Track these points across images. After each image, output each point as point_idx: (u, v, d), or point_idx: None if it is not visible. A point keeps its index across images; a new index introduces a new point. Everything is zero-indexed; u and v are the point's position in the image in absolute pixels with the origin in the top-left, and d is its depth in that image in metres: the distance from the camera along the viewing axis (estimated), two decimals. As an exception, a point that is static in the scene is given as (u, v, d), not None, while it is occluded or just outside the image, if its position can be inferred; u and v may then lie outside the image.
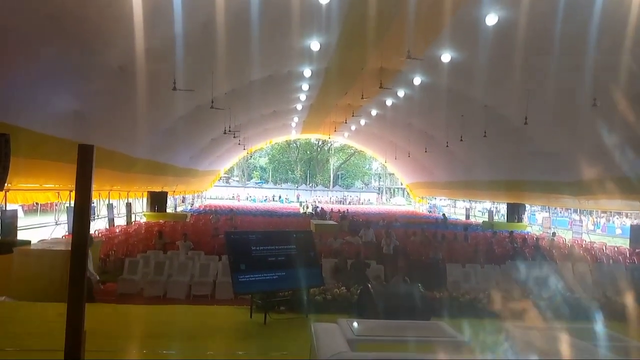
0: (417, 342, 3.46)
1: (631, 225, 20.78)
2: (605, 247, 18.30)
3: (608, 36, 11.18)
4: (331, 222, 23.05)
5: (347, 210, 35.58)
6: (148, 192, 26.47)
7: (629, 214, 33.83)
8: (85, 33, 10.43)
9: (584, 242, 21.07)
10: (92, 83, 12.46)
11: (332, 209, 38.11)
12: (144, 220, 25.10)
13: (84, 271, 2.75)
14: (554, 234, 23.47)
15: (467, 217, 39.82)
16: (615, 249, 17.86)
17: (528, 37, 12.85)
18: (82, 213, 2.77)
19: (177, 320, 6.91)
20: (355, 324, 3.42)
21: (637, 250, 17.14)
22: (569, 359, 2.82)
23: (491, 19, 12.80)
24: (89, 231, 2.90)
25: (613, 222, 37.12)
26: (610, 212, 36.40)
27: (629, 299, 8.23)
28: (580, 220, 31.20)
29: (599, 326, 4.90)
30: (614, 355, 3.09)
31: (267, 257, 6.23)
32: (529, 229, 28.46)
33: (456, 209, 50.12)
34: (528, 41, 13.03)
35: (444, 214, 38.03)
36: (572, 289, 9.44)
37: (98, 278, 9.91)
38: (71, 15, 9.47)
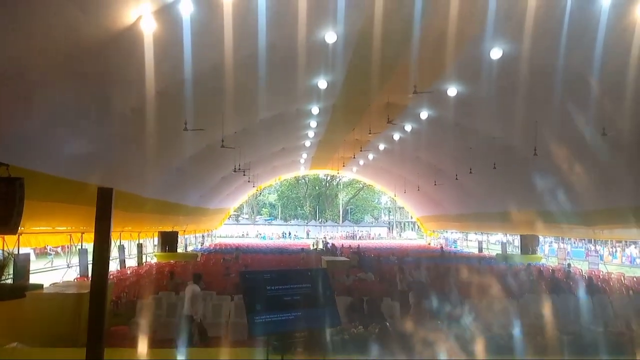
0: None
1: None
2: (624, 277, 17.89)
3: (612, 67, 11.29)
4: (342, 258, 22.84)
5: (359, 245, 35.31)
6: (159, 232, 26.50)
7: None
8: (98, 78, 10.73)
9: (602, 272, 20.62)
10: (105, 126, 12.71)
11: (342, 244, 37.83)
12: (154, 260, 25.03)
13: (103, 313, 2.72)
14: (569, 265, 23.05)
15: (480, 250, 39.29)
16: (634, 279, 17.45)
17: (534, 69, 13.00)
18: (101, 255, 2.77)
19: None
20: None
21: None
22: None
23: (495, 53, 13.01)
24: (108, 273, 2.90)
25: (627, 252, 36.40)
26: (626, 242, 35.76)
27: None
28: (596, 251, 30.67)
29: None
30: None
31: (282, 297, 6.12)
32: (544, 261, 27.98)
33: (468, 241, 49.53)
34: (534, 73, 13.18)
35: (441, 247, 37.45)
36: (593, 322, 9.18)
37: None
38: (84, 62, 9.76)
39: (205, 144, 19.27)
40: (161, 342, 10.15)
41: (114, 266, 19.77)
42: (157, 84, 11.79)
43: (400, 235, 72.90)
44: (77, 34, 8.91)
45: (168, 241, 26.71)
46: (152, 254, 27.16)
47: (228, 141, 17.87)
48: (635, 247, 35.42)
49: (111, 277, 16.00)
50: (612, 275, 18.59)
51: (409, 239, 64.41)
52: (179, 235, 28.71)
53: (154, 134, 14.73)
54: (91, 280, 2.73)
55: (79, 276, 16.40)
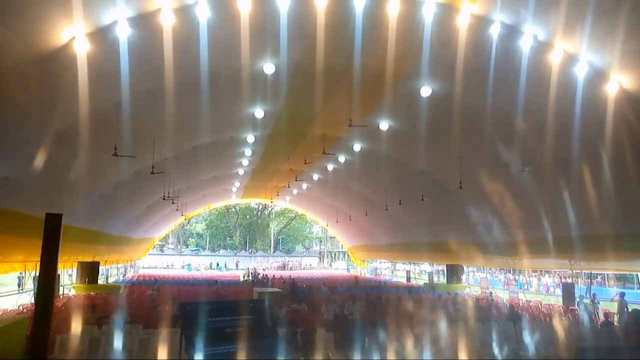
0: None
1: (563, 283, 21.86)
2: (541, 305, 19.03)
3: (532, 106, 12.30)
4: (274, 289, 22.55)
5: (290, 276, 35.03)
6: (78, 262, 24.84)
7: (557, 272, 35.65)
8: (23, 98, 10.12)
9: (521, 300, 21.83)
10: (26, 149, 11.93)
11: (274, 275, 37.38)
12: (73, 292, 23.37)
13: (46, 342, 2.52)
14: (491, 293, 24.23)
15: (408, 279, 40.30)
16: (550, 306, 18.61)
17: (460, 107, 13.88)
18: (47, 282, 2.58)
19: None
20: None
21: (570, 307, 17.95)
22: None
23: (425, 91, 13.78)
24: (53, 302, 2.71)
25: (543, 281, 38.87)
26: (541, 272, 38.19)
27: (569, 355, 8.54)
28: (515, 280, 32.49)
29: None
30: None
31: (224, 329, 5.96)
32: (468, 290, 29.16)
33: (397, 271, 50.66)
34: (460, 110, 14.06)
35: (356, 277, 37.69)
36: (520, 348, 9.67)
37: None
38: (10, 81, 9.21)
39: (134, 170, 18.55)
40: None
41: (27, 299, 18.24)
42: (87, 107, 11.27)
43: (330, 265, 73.22)
44: (2, 51, 8.42)
45: (88, 272, 25.06)
46: (70, 286, 25.36)
47: (158, 167, 17.33)
48: (550, 277, 37.93)
49: (25, 310, 14.76)
50: (531, 303, 19.71)
51: (340, 269, 64.84)
52: (100, 265, 27.07)
53: (79, 159, 14.01)
54: (34, 315, 2.55)
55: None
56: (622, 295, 17.57)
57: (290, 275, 35.73)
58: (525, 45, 10.69)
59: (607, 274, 34.57)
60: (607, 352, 8.31)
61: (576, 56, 10.76)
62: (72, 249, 22.08)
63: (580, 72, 10.92)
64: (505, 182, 16.83)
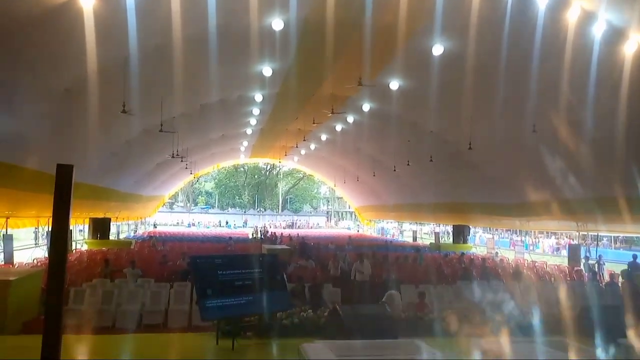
0: (401, 361, 3.51)
1: (569, 245, 21.99)
2: (547, 265, 19.22)
3: (547, 67, 12.02)
4: (283, 246, 22.89)
5: (298, 234, 35.47)
6: (90, 218, 25.27)
7: (563, 234, 35.77)
8: (31, 55, 10.06)
9: (526, 261, 22.04)
10: (35, 106, 11.94)
11: (282, 233, 37.87)
12: (85, 248, 23.90)
13: (61, 298, 2.61)
14: (497, 254, 24.47)
15: (415, 239, 40.70)
16: (556, 267, 18.80)
17: (472, 67, 13.59)
18: (60, 237, 2.63)
19: (140, 348, 6.60)
20: (337, 344, 3.43)
21: (576, 268, 18.12)
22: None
23: (437, 49, 13.48)
24: (67, 257, 2.77)
25: (548, 242, 39.08)
26: (547, 233, 38.33)
27: (573, 314, 8.67)
28: (522, 241, 32.71)
29: (553, 338, 5.14)
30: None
31: (234, 282, 6.11)
32: (474, 250, 29.43)
33: (404, 231, 51.13)
34: (472, 70, 13.77)
35: (349, 237, 36.85)
36: (522, 306, 9.84)
37: None
38: (17, 37, 9.14)
39: (143, 128, 18.58)
40: (95, 329, 9.77)
41: (41, 253, 18.71)
42: (95, 64, 11.20)
43: (337, 224, 73.93)
44: (9, 7, 8.31)
45: (100, 228, 25.53)
46: (82, 241, 25.91)
47: (166, 125, 17.33)
48: (555, 238, 38.12)
49: (39, 264, 15.15)
50: (536, 264, 19.90)
51: (346, 228, 65.50)
52: (111, 222, 27.55)
53: (88, 116, 14.02)
54: (49, 263, 2.60)
55: (2, 263, 15.39)
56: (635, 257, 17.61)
57: (298, 234, 36.21)
58: (541, 2, 10.35)
59: (613, 237, 34.68)
60: (611, 310, 8.44)
61: (594, 14, 10.41)
62: (83, 206, 22.43)
63: (598, 31, 10.59)
64: (516, 144, 16.66)
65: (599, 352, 4.42)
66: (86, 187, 19.85)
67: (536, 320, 8.55)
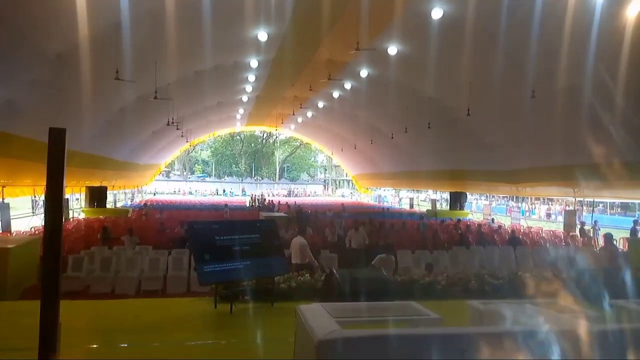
0: (396, 321, 3.56)
1: (565, 210, 22.18)
2: (542, 230, 19.42)
3: (547, 31, 11.81)
4: (280, 214, 22.99)
5: (295, 202, 35.57)
6: (86, 187, 25.28)
7: (560, 200, 36.03)
8: (22, 21, 9.81)
9: (522, 227, 22.25)
10: (27, 72, 11.72)
11: (279, 201, 38.01)
12: (82, 216, 23.98)
13: (58, 264, 2.59)
14: (493, 220, 24.68)
15: (411, 206, 40.94)
16: (551, 232, 18.99)
17: (471, 31, 13.32)
18: (55, 203, 2.59)
19: (139, 313, 6.69)
20: (334, 306, 3.47)
21: (571, 233, 18.31)
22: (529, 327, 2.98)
23: (436, 13, 13.19)
24: (62, 223, 2.75)
25: (544, 209, 39.36)
26: (544, 200, 38.60)
27: (569, 276, 8.78)
28: (518, 207, 32.95)
29: (547, 300, 5.20)
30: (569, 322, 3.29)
31: (231, 247, 6.14)
32: (470, 216, 29.65)
33: (401, 199, 51.37)
34: (471, 35, 13.51)
35: (342, 204, 36.60)
36: (517, 269, 9.97)
37: None
38: (8, 3, 8.89)
39: (137, 95, 18.34)
40: (95, 296, 9.88)
41: (39, 222, 18.74)
42: (86, 29, 10.94)
43: (334, 192, 74.19)
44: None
45: (96, 196, 25.58)
46: (80, 210, 25.97)
47: (161, 93, 17.10)
48: (552, 204, 38.41)
49: (37, 232, 15.20)
50: (532, 229, 20.09)
51: (344, 196, 65.77)
52: (107, 190, 27.57)
53: (81, 83, 13.80)
54: (44, 230, 2.58)
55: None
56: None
57: (295, 202, 36.32)
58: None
59: (609, 203, 34.95)
60: (604, 273, 8.56)
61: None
62: (79, 174, 22.39)
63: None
64: (514, 109, 16.55)
65: (592, 312, 4.49)
66: (82, 156, 19.76)
67: (529, 282, 8.65)
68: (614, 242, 13.83)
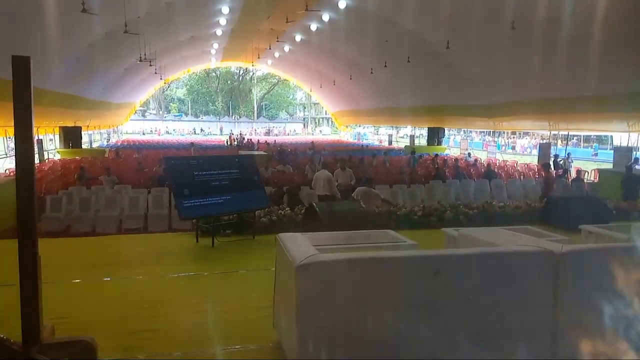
0: (373, 247, 3.68)
1: (540, 144, 22.60)
2: (517, 164, 19.84)
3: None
4: (260, 152, 22.93)
5: (275, 141, 35.37)
6: (60, 127, 24.62)
7: (535, 134, 36.61)
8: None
9: (498, 160, 22.67)
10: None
11: (258, 140, 37.77)
12: (58, 157, 23.53)
13: (32, 199, 2.56)
14: (469, 154, 25.06)
15: (390, 142, 41.14)
16: (526, 165, 19.42)
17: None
18: (25, 140, 2.51)
19: (121, 248, 6.77)
20: (313, 235, 3.56)
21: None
22: (501, 248, 3.13)
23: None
24: (34, 160, 2.69)
25: (520, 143, 40.02)
26: (520, 134, 39.15)
27: (540, 205, 9.11)
28: (494, 141, 33.43)
29: (520, 226, 5.41)
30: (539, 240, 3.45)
31: (210, 182, 6.14)
32: (447, 152, 30.02)
33: (380, 135, 51.45)
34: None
35: (312, 142, 36.27)
36: (491, 200, 10.28)
37: None
38: None
39: (106, 30, 17.54)
40: (76, 235, 9.90)
41: (12, 164, 18.34)
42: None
43: (314, 130, 73.82)
44: None
45: (71, 137, 25.01)
46: (55, 151, 25.45)
47: (131, 27, 16.35)
48: (528, 139, 39.06)
49: (11, 173, 14.92)
50: (507, 163, 20.49)
51: (324, 134, 65.56)
52: (82, 130, 26.93)
53: (46, 16, 13.09)
54: (16, 169, 2.53)
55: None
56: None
57: (275, 140, 36.15)
58: None
59: (582, 136, 35.68)
60: (574, 202, 8.91)
61: None
62: (51, 114, 21.74)
63: None
64: (493, 42, 16.36)
65: (561, 237, 4.71)
66: (53, 95, 19.11)
67: (502, 211, 8.94)
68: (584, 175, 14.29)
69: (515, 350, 2.82)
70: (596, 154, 30.58)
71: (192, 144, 28.88)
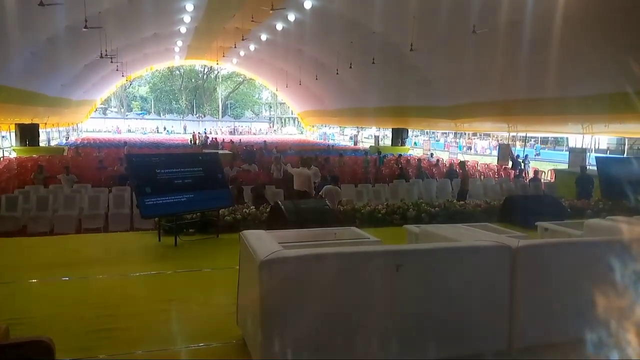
0: (337, 244, 3.73)
1: (499, 144, 23.25)
2: (477, 164, 20.35)
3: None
4: (225, 151, 22.70)
5: (240, 140, 35.06)
6: (16, 124, 23.68)
7: (495, 136, 37.58)
8: None
9: (459, 161, 23.16)
10: None
11: (223, 139, 37.35)
12: (14, 155, 22.64)
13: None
14: (432, 154, 25.54)
15: (355, 143, 41.42)
16: (486, 165, 19.95)
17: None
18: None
19: (80, 248, 6.57)
20: (278, 232, 3.57)
21: (503, 167, 19.32)
22: (462, 241, 3.23)
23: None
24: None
25: (481, 144, 41.03)
26: (480, 135, 40.10)
27: (500, 204, 9.38)
28: (456, 142, 34.16)
29: (478, 223, 5.58)
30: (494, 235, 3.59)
31: (173, 180, 6.05)
32: (411, 152, 30.49)
33: (344, 136, 51.72)
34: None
35: (264, 141, 36.18)
36: (453, 199, 10.53)
37: None
38: None
39: (66, 23, 17.03)
40: (34, 235, 9.57)
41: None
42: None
43: (280, 130, 73.53)
44: None
45: (28, 135, 24.09)
46: (10, 149, 24.48)
47: (92, 22, 15.96)
48: (489, 140, 40.08)
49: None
50: (468, 163, 20.97)
51: (290, 134, 65.39)
52: (40, 128, 26.00)
53: (2, 7, 12.61)
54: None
55: None
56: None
57: (240, 140, 35.84)
58: None
59: (540, 137, 36.91)
60: (532, 200, 9.23)
61: None
62: (7, 110, 20.96)
63: None
64: (456, 45, 16.75)
65: (518, 232, 4.89)
66: (9, 91, 18.45)
67: (467, 209, 9.17)
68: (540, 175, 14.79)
69: (474, 340, 2.92)
70: (538, 154, 32.52)
71: (125, 143, 28.09)
